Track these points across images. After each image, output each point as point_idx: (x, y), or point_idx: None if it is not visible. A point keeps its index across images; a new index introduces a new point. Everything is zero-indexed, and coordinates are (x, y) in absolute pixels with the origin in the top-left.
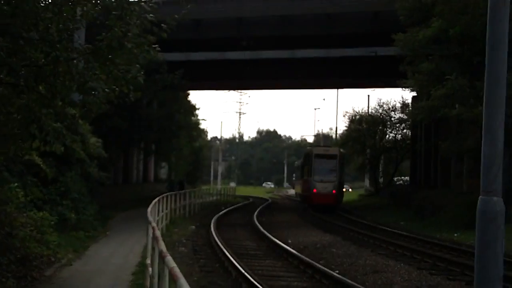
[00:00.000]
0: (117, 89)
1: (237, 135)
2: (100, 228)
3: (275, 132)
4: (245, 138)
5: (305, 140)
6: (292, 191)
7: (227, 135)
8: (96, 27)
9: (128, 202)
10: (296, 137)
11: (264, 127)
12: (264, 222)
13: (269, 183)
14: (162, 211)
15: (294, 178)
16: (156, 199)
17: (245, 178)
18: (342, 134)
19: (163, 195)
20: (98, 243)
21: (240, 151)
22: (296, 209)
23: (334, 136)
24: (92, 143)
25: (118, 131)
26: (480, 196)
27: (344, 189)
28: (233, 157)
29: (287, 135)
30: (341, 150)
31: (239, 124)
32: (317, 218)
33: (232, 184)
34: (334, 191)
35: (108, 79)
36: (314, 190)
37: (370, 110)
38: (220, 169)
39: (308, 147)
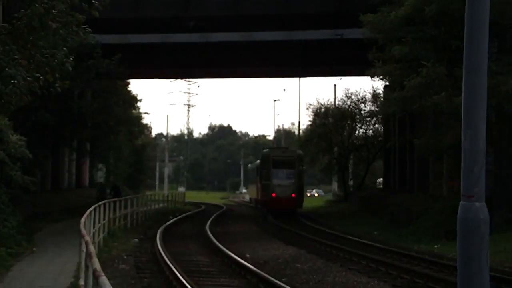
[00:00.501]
0: (41, 77)
1: (185, 132)
2: (24, 243)
3: (229, 128)
4: (195, 134)
5: (264, 137)
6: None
7: (174, 131)
8: (13, 2)
9: (59, 212)
10: (254, 133)
11: (216, 122)
12: (218, 233)
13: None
14: (99, 222)
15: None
16: (92, 208)
17: (196, 182)
18: (306, 130)
19: (100, 202)
20: (22, 261)
21: (190, 150)
22: (254, 217)
23: (296, 132)
24: (13, 142)
25: (45, 127)
26: (461, 202)
27: (311, 194)
28: (181, 157)
29: (244, 132)
30: (299, 152)
31: (188, 119)
32: (277, 228)
33: (181, 189)
34: (293, 195)
35: (29, 66)
36: (273, 195)
37: (337, 102)
38: (167, 172)
39: (264, 150)
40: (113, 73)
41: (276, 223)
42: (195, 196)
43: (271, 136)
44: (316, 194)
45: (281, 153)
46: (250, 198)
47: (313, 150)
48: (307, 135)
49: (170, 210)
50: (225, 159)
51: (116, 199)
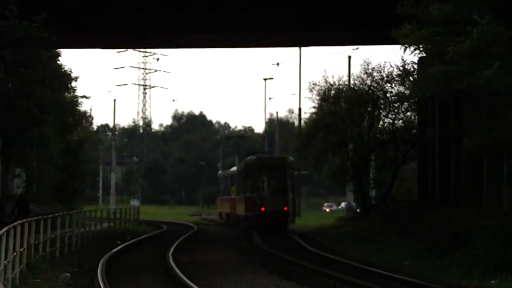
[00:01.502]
0: None
1: (140, 123)
2: None
3: (202, 117)
4: (155, 127)
5: (250, 130)
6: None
7: (124, 122)
8: None
9: None
10: (237, 125)
11: (185, 109)
12: (186, 263)
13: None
14: (14, 250)
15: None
16: (4, 230)
17: (155, 193)
18: (309, 120)
19: (17, 222)
20: None
21: (147, 148)
22: (235, 240)
23: (296, 122)
24: None
25: None
26: None
27: (330, 209)
28: (135, 158)
29: (223, 123)
30: (289, 157)
31: (144, 105)
32: (268, 255)
33: (134, 203)
34: (286, 208)
35: None
36: (262, 209)
37: (352, 81)
38: (114, 178)
39: (248, 157)
40: (36, 39)
41: (266, 248)
42: (154, 213)
43: (260, 128)
44: (327, 209)
45: (268, 160)
46: (221, 213)
47: (319, 148)
48: (310, 127)
49: (119, 232)
50: (197, 160)
51: (21, 218)
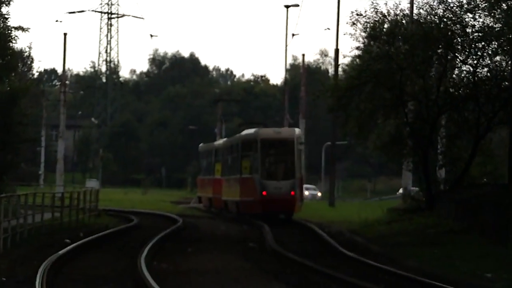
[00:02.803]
0: None
1: (103, 68)
2: None
3: (195, 62)
4: (124, 74)
5: (264, 81)
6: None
7: (79, 67)
8: None
9: None
10: (244, 73)
11: (168, 50)
12: (167, 273)
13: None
14: None
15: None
16: None
17: (123, 170)
18: (350, 67)
19: None
20: None
21: (113, 105)
22: (238, 239)
23: (331, 70)
24: None
25: None
26: None
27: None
28: (93, 120)
29: (223, 70)
30: (298, 130)
31: (109, 43)
32: (285, 261)
33: (92, 184)
34: (293, 193)
35: None
36: (264, 193)
37: (415, 11)
38: (63, 149)
39: (247, 130)
40: None
41: (283, 251)
42: (121, 199)
43: (278, 78)
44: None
45: (273, 133)
46: (200, 198)
47: (365, 108)
48: (352, 77)
49: (68, 225)
50: (185, 124)
51: None
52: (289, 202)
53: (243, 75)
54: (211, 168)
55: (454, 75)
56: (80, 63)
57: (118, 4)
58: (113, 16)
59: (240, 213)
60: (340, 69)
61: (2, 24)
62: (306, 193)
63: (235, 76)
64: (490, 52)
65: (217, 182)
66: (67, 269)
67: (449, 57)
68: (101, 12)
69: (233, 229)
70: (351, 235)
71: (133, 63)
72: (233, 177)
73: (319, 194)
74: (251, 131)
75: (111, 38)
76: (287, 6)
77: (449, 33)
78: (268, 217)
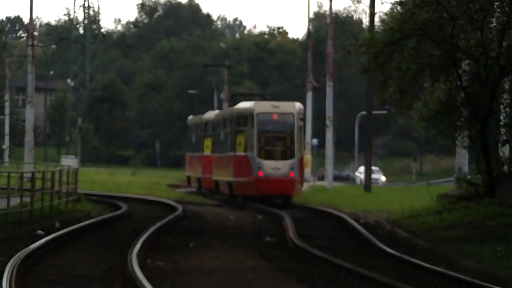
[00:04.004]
0: None
1: (80, 17)
2: None
3: (195, 9)
4: (106, 25)
5: (282, 34)
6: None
7: (51, 15)
8: None
9: None
10: (257, 25)
11: None
12: (164, 272)
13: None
14: None
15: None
16: None
17: (108, 145)
18: (390, 16)
19: None
20: None
21: (93, 63)
22: (251, 232)
23: (365, 19)
24: None
25: None
26: None
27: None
28: (69, 82)
29: (231, 20)
30: (298, 105)
31: None
32: (311, 259)
33: (69, 162)
34: (292, 174)
35: None
36: (261, 173)
37: None
38: (33, 117)
39: (241, 103)
40: None
41: (308, 248)
42: (105, 181)
43: (299, 31)
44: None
45: (271, 107)
46: (189, 178)
47: (409, 68)
48: (392, 29)
49: (40, 213)
50: (184, 87)
51: None
52: (288, 184)
53: (255, 27)
54: (201, 144)
55: None
56: (51, 10)
57: None
58: None
59: (233, 195)
60: (377, 19)
61: None
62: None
63: (245, 27)
64: None
65: (207, 160)
66: (41, 268)
67: None
68: None
69: (245, 219)
70: (392, 227)
71: (117, 10)
72: (225, 155)
73: (383, 178)
74: (246, 104)
75: None
76: None
77: None
78: (264, 200)
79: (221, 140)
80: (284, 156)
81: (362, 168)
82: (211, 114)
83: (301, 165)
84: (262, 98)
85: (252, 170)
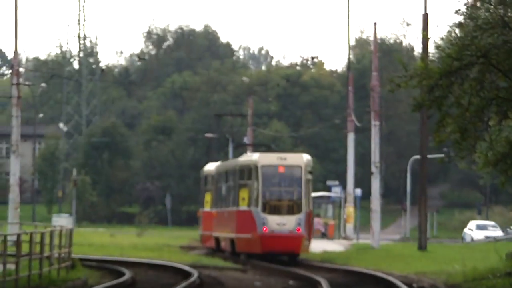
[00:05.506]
0: None
1: (74, 51)
2: None
3: (212, 36)
4: (105, 57)
5: (317, 64)
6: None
7: (39, 48)
8: None
9: None
10: (286, 55)
11: (171, 23)
12: None
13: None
14: None
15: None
16: None
17: (107, 201)
18: (447, 41)
19: None
20: None
21: (90, 104)
22: None
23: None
24: None
25: None
26: None
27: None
28: (62, 126)
29: (255, 50)
30: (307, 157)
31: (82, 10)
32: None
33: (62, 221)
34: (299, 229)
35: None
36: (265, 229)
37: None
38: (18, 169)
39: (245, 155)
40: None
41: None
42: (105, 243)
43: (337, 62)
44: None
45: (277, 159)
46: (203, 236)
47: (470, 102)
48: (450, 56)
49: (27, 282)
50: (200, 129)
51: None
52: (295, 240)
53: (284, 57)
54: (201, 199)
55: None
56: (40, 42)
57: None
58: None
59: (235, 253)
60: (431, 45)
61: None
62: (484, 234)
63: (272, 58)
64: None
65: (207, 216)
66: None
67: None
68: None
69: (273, 286)
70: None
71: (119, 40)
72: (227, 210)
73: (501, 233)
74: (250, 155)
75: (84, 3)
76: None
77: None
78: (269, 258)
79: (223, 194)
80: (291, 211)
81: (472, 224)
82: (211, 167)
83: (308, 220)
84: (268, 149)
85: (256, 225)
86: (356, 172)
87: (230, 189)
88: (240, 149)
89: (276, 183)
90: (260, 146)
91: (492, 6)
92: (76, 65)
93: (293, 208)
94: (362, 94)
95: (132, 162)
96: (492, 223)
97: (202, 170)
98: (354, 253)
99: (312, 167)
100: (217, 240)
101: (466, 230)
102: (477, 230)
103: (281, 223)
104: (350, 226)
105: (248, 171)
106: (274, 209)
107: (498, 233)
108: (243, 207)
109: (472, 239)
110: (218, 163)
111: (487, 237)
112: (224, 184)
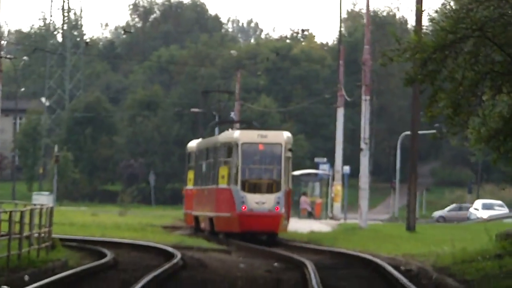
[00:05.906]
0: None
1: (58, 23)
2: None
3: (197, 8)
4: (90, 30)
5: (307, 37)
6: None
7: (22, 20)
8: None
9: None
10: (276, 28)
11: None
12: None
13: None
14: None
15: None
16: None
17: (90, 178)
18: (441, 14)
19: None
20: None
21: (74, 78)
22: (267, 283)
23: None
24: None
25: None
26: None
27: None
28: (44, 101)
29: (244, 22)
30: (287, 134)
31: None
32: None
33: (43, 200)
34: (277, 208)
35: None
36: (244, 208)
37: None
38: None
39: (224, 133)
40: None
41: None
42: (86, 222)
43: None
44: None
45: (257, 137)
46: (186, 214)
47: (464, 76)
48: (444, 29)
49: (6, 263)
50: (186, 105)
51: None
52: (273, 219)
53: (274, 30)
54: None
55: None
56: (23, 14)
57: None
58: None
59: (214, 232)
60: (425, 17)
61: None
62: (489, 213)
63: (261, 31)
64: None
65: (188, 194)
66: None
67: None
68: None
69: (258, 267)
70: (440, 276)
71: (104, 13)
72: (207, 188)
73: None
74: (231, 133)
75: None
76: None
77: None
78: (247, 237)
79: (203, 172)
80: (270, 190)
81: (478, 203)
82: (193, 144)
83: (288, 199)
84: (250, 126)
85: (235, 204)
86: (345, 149)
87: (210, 167)
88: (227, 125)
89: (257, 161)
90: (242, 123)
91: None
92: (59, 38)
93: (272, 187)
94: (354, 68)
95: (115, 139)
96: (499, 202)
97: (186, 147)
98: (341, 233)
99: (292, 144)
100: (197, 219)
101: (471, 209)
102: (483, 209)
103: (260, 202)
104: (337, 205)
105: (229, 149)
106: (254, 188)
107: (504, 212)
108: (222, 185)
109: (477, 218)
110: (199, 140)
111: (490, 216)
112: (204, 162)
